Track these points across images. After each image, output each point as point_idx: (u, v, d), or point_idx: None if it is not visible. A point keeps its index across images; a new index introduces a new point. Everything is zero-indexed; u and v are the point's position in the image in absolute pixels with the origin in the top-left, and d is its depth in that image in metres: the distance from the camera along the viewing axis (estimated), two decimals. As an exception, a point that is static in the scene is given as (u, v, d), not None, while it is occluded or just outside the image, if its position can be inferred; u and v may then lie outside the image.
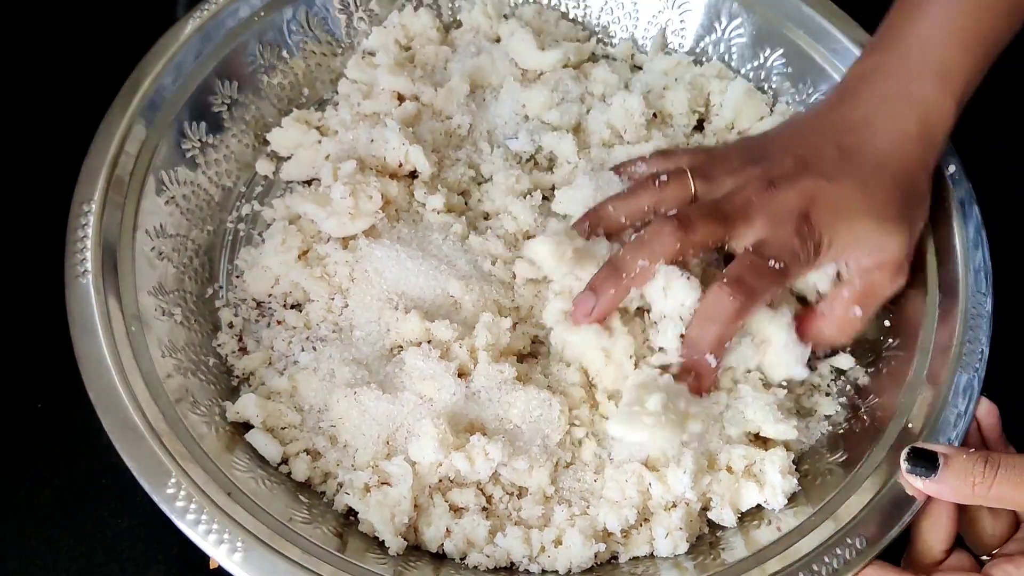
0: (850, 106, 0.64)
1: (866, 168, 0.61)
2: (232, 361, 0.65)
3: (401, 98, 0.73)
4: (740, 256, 0.60)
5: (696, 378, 0.60)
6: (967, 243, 0.65)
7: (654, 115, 0.74)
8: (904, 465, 0.56)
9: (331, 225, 0.65)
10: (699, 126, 0.76)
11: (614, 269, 0.60)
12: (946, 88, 0.62)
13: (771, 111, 0.75)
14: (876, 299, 0.63)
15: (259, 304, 0.67)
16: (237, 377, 0.64)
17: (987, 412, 0.60)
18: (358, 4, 0.75)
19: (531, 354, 0.65)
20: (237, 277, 0.68)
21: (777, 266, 0.59)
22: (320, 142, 0.71)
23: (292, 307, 0.67)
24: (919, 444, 0.57)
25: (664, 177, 0.63)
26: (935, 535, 0.57)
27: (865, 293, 0.62)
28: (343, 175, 0.66)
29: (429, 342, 0.62)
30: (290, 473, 0.60)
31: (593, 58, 0.79)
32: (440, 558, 0.58)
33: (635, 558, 0.59)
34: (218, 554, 0.53)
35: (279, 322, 0.66)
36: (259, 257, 0.67)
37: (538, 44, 0.74)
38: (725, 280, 0.59)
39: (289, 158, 0.72)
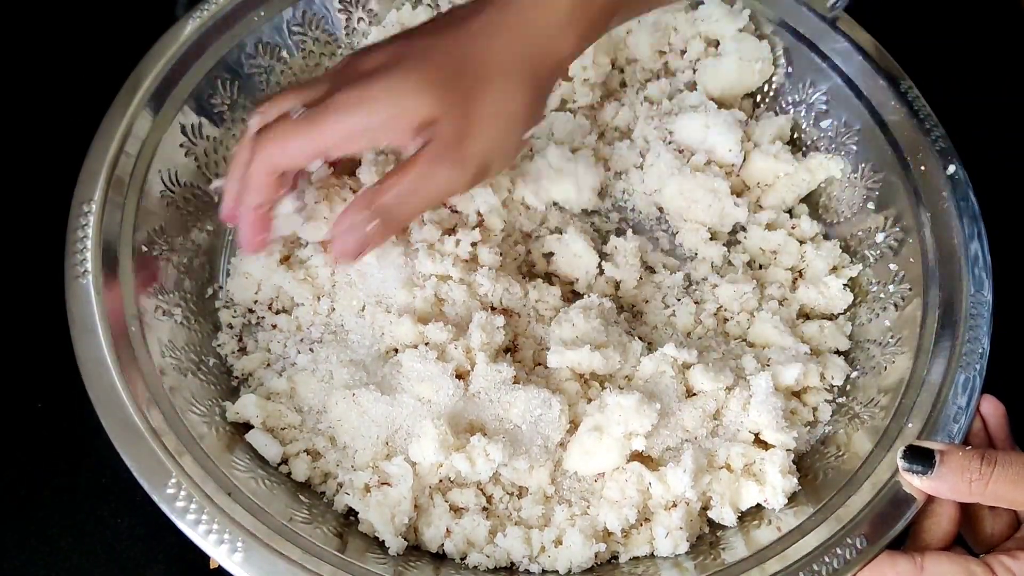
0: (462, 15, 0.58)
1: (458, 35, 0.56)
2: (232, 361, 0.65)
3: None
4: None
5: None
6: (967, 242, 0.65)
7: (612, 64, 0.75)
8: (901, 463, 0.56)
9: (308, 230, 0.65)
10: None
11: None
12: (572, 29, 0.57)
13: None
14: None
15: (250, 310, 0.67)
16: (237, 377, 0.65)
17: (993, 410, 0.60)
18: (357, 3, 0.75)
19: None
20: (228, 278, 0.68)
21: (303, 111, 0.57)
22: None
23: (280, 312, 0.67)
24: (916, 442, 0.57)
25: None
26: (934, 534, 0.57)
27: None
28: (315, 179, 0.65)
29: (426, 344, 0.62)
30: (290, 473, 0.60)
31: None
32: (440, 558, 0.59)
33: (635, 558, 0.59)
34: (218, 554, 0.53)
35: (273, 326, 0.66)
36: (240, 264, 0.67)
37: None
38: None
39: None
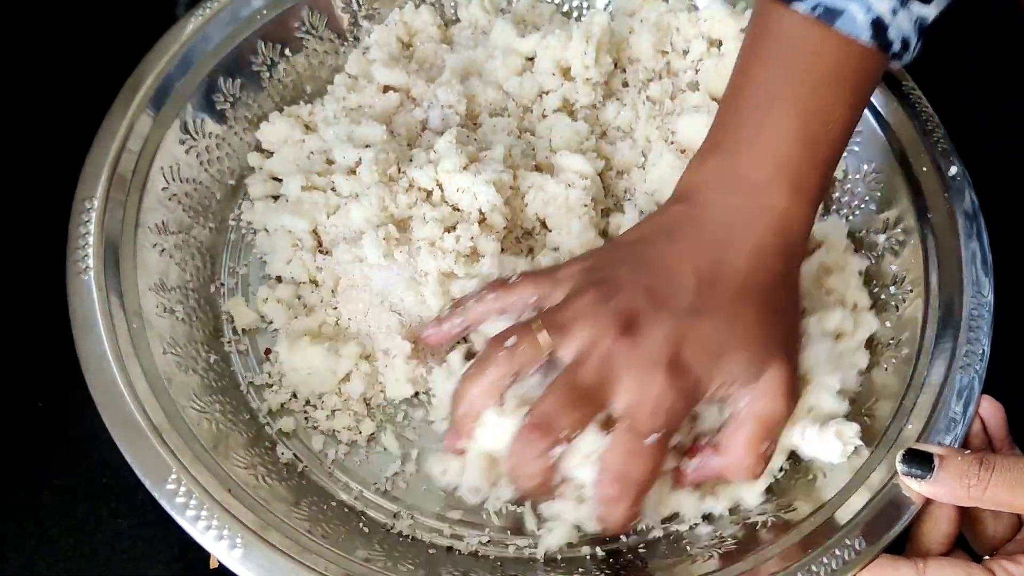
0: (701, 223, 0.58)
1: (727, 295, 0.56)
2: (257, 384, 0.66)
3: (389, 91, 0.73)
4: (614, 438, 0.54)
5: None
6: (968, 243, 0.65)
7: (614, 64, 0.75)
8: (899, 467, 0.56)
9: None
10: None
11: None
12: (801, 196, 0.58)
13: None
14: (776, 427, 0.58)
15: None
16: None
17: (992, 411, 0.60)
18: (361, 2, 0.75)
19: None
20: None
21: (655, 438, 0.53)
22: (304, 141, 0.71)
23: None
24: (915, 445, 0.57)
25: (511, 340, 0.56)
26: (933, 537, 0.57)
27: (764, 426, 0.57)
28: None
29: None
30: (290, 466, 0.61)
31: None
32: (436, 555, 0.59)
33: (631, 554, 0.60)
34: (218, 550, 0.53)
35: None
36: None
37: (518, 32, 0.74)
38: (605, 476, 0.54)
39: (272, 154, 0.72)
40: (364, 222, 0.65)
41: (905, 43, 0.57)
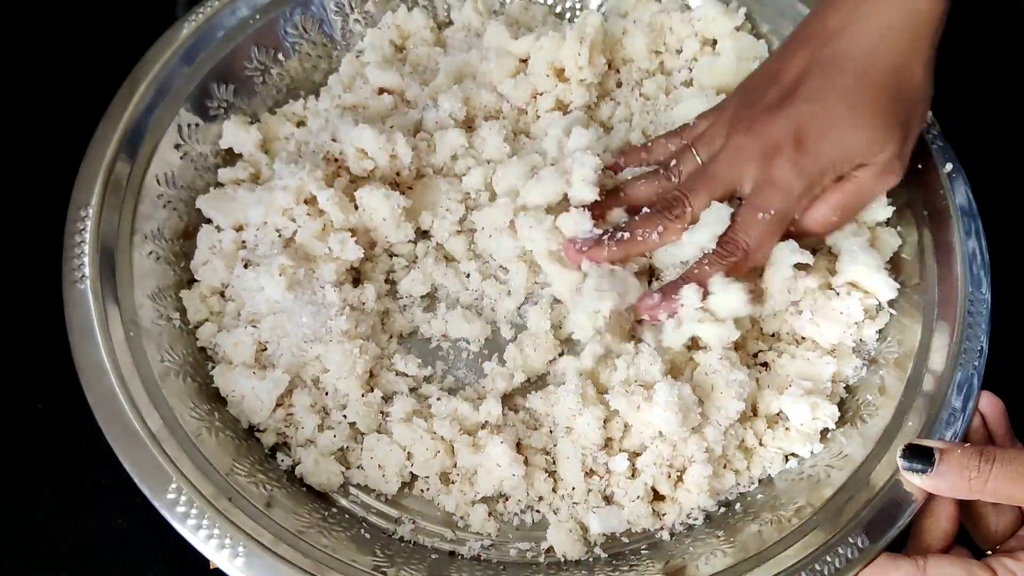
0: (829, 13, 0.63)
1: (849, 77, 0.61)
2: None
3: (384, 94, 0.73)
4: (736, 211, 0.63)
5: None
6: (965, 241, 0.65)
7: (608, 64, 0.75)
8: (900, 462, 0.56)
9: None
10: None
11: (628, 238, 0.64)
12: None
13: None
14: (861, 200, 0.64)
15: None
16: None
17: (991, 406, 0.61)
18: (354, 6, 0.75)
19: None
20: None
21: (768, 215, 0.62)
22: (289, 136, 0.71)
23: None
24: (915, 440, 0.57)
25: (674, 161, 0.66)
26: (934, 534, 0.57)
27: (851, 193, 0.63)
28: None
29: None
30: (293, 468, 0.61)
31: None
32: (442, 561, 0.59)
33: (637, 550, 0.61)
34: (219, 559, 0.54)
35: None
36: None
37: (512, 34, 0.74)
38: (720, 241, 0.62)
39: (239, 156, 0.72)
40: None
41: None
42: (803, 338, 0.66)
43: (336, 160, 0.67)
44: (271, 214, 0.65)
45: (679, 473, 0.61)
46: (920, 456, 0.55)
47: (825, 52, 0.61)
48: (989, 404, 0.61)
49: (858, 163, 0.61)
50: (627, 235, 0.64)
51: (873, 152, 0.61)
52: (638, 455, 0.62)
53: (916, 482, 0.56)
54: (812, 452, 0.62)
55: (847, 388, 0.65)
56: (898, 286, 0.65)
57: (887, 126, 0.60)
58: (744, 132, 0.62)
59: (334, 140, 0.67)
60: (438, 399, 0.63)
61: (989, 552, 0.57)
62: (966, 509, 0.58)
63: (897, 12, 0.60)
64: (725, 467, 0.62)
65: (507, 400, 0.64)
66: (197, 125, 0.68)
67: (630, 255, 0.65)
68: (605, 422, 0.61)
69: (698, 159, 0.65)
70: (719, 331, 0.62)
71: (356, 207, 0.66)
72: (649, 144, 0.69)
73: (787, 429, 0.63)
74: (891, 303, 0.66)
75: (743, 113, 0.63)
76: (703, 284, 0.62)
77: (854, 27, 0.61)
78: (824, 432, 0.63)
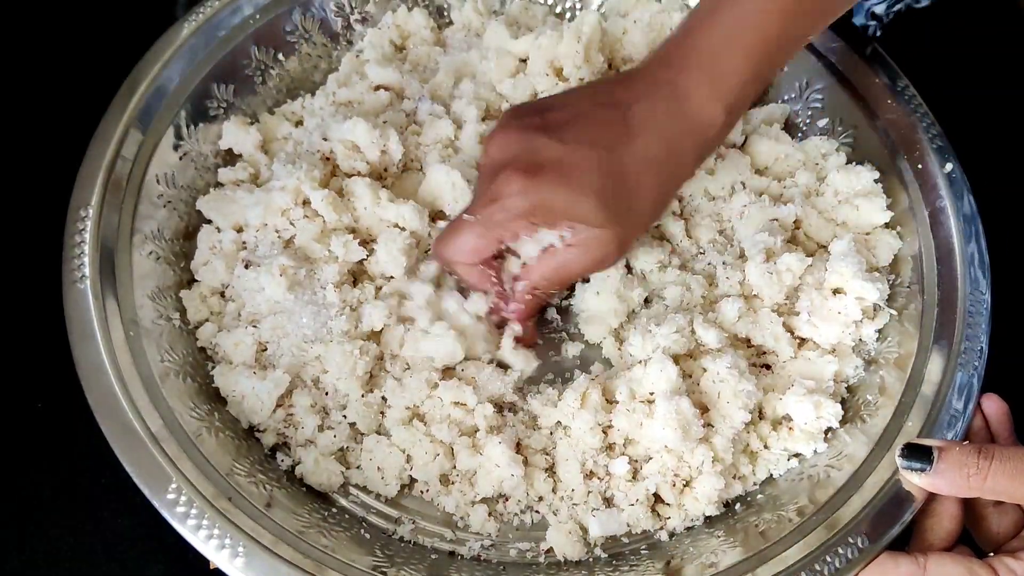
0: (624, 85, 0.61)
1: (607, 142, 0.59)
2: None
3: (380, 90, 0.73)
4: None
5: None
6: (965, 241, 0.65)
7: (608, 64, 0.75)
8: (899, 461, 0.56)
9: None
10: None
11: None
12: (715, 91, 0.59)
13: None
14: (566, 275, 0.62)
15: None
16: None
17: (995, 408, 0.61)
18: (354, 6, 0.75)
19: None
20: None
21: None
22: (288, 136, 0.71)
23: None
24: (914, 439, 0.57)
25: None
26: (936, 534, 0.57)
27: (560, 266, 0.61)
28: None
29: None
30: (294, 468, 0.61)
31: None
32: (442, 561, 0.59)
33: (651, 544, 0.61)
34: (219, 559, 0.54)
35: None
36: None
37: (512, 33, 0.74)
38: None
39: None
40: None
41: None
42: (803, 339, 0.66)
43: (328, 159, 0.67)
44: (269, 215, 0.65)
45: (685, 482, 0.61)
46: (919, 455, 0.55)
47: (602, 112, 0.60)
48: (993, 406, 0.61)
49: (574, 231, 0.60)
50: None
51: (590, 222, 0.59)
52: (642, 462, 0.62)
53: (915, 481, 0.56)
54: (816, 451, 0.62)
55: (848, 388, 0.65)
56: (881, 288, 0.64)
57: (614, 206, 0.59)
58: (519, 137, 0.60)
59: (325, 139, 0.67)
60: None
61: (992, 553, 0.56)
62: (968, 510, 0.58)
63: (672, 119, 0.60)
64: (735, 477, 0.62)
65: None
66: (197, 125, 0.68)
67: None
68: (606, 430, 0.62)
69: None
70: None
71: (354, 208, 0.66)
72: None
73: (791, 429, 0.63)
74: (891, 303, 0.66)
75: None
76: None
77: (634, 108, 0.59)
78: (827, 431, 0.63)
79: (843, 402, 0.64)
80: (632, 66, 0.76)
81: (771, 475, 0.63)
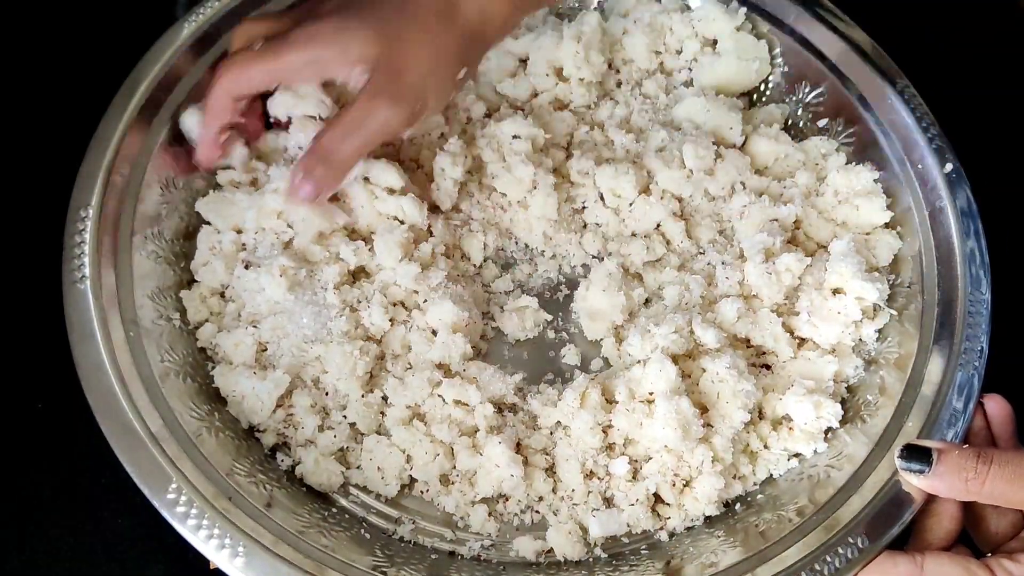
0: None
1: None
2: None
3: None
4: None
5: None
6: (965, 241, 0.65)
7: (608, 65, 0.75)
8: (899, 462, 0.56)
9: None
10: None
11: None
12: None
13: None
14: (363, 124, 0.62)
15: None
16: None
17: (998, 409, 0.60)
18: (354, 6, 0.75)
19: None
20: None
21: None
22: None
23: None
24: (913, 441, 0.57)
25: None
26: (935, 534, 0.57)
27: (352, 120, 0.62)
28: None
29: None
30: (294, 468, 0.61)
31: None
32: (442, 561, 0.59)
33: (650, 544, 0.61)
34: (219, 559, 0.54)
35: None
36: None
37: (512, 34, 0.74)
38: None
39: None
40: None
41: None
42: (803, 339, 0.66)
43: None
44: (263, 218, 0.65)
45: (684, 482, 0.61)
46: (918, 456, 0.55)
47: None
48: (996, 407, 0.61)
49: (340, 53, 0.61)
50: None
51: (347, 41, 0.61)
52: (642, 462, 0.62)
53: (914, 482, 0.56)
54: (816, 451, 0.62)
55: (848, 388, 0.65)
56: (881, 288, 0.64)
57: (365, 16, 0.61)
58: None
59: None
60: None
61: (990, 554, 0.56)
62: (967, 511, 0.58)
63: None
64: (735, 477, 0.62)
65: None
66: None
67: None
68: (606, 429, 0.62)
69: None
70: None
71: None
72: None
73: (790, 429, 0.63)
74: (891, 303, 0.66)
75: None
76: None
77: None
78: (827, 431, 0.63)
79: (843, 402, 0.64)
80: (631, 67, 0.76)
81: (771, 475, 0.63)
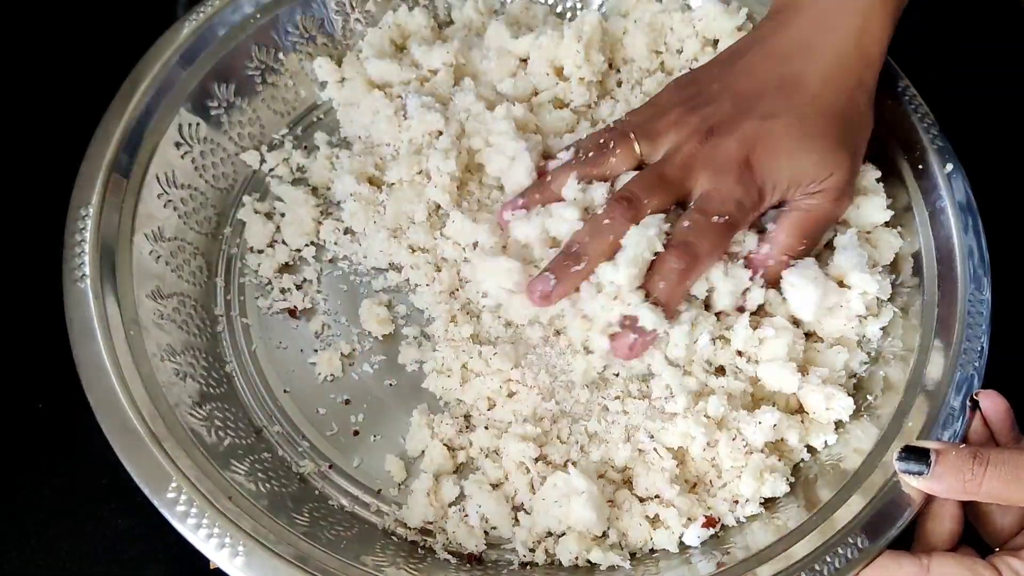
0: (789, 30, 0.64)
1: (805, 98, 0.62)
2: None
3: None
4: (684, 215, 0.61)
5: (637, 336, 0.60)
6: (965, 241, 0.65)
7: (609, 64, 0.75)
8: (897, 464, 0.56)
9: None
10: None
11: (573, 253, 0.61)
12: (882, 7, 0.63)
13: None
14: (820, 223, 0.64)
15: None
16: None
17: (994, 405, 0.60)
18: (354, 5, 0.75)
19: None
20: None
21: (721, 220, 0.61)
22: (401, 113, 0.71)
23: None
24: (912, 442, 0.57)
25: (611, 144, 0.64)
26: (938, 536, 0.57)
27: (810, 218, 0.63)
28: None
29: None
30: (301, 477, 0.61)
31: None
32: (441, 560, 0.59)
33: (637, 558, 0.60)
34: (219, 558, 0.54)
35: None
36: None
37: (512, 33, 0.74)
38: (671, 243, 0.60)
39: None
40: None
41: None
42: (808, 333, 0.66)
43: None
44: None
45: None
46: (916, 457, 0.55)
47: (787, 69, 0.63)
48: (992, 403, 0.60)
49: (808, 186, 0.62)
50: (579, 267, 0.61)
51: (821, 176, 0.62)
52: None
53: (913, 484, 0.56)
54: (826, 443, 0.62)
55: (855, 386, 0.65)
56: (880, 281, 0.64)
57: (836, 151, 0.62)
58: (699, 142, 0.62)
59: None
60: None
61: (997, 549, 0.56)
62: (973, 506, 0.57)
63: (849, 44, 0.63)
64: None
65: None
66: (198, 125, 0.68)
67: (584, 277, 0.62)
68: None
69: (638, 149, 0.64)
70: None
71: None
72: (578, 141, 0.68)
73: (802, 421, 0.63)
74: (891, 302, 0.66)
75: (692, 120, 0.63)
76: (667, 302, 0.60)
77: (815, 48, 0.63)
78: (838, 424, 0.63)
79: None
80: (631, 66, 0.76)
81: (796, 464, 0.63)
